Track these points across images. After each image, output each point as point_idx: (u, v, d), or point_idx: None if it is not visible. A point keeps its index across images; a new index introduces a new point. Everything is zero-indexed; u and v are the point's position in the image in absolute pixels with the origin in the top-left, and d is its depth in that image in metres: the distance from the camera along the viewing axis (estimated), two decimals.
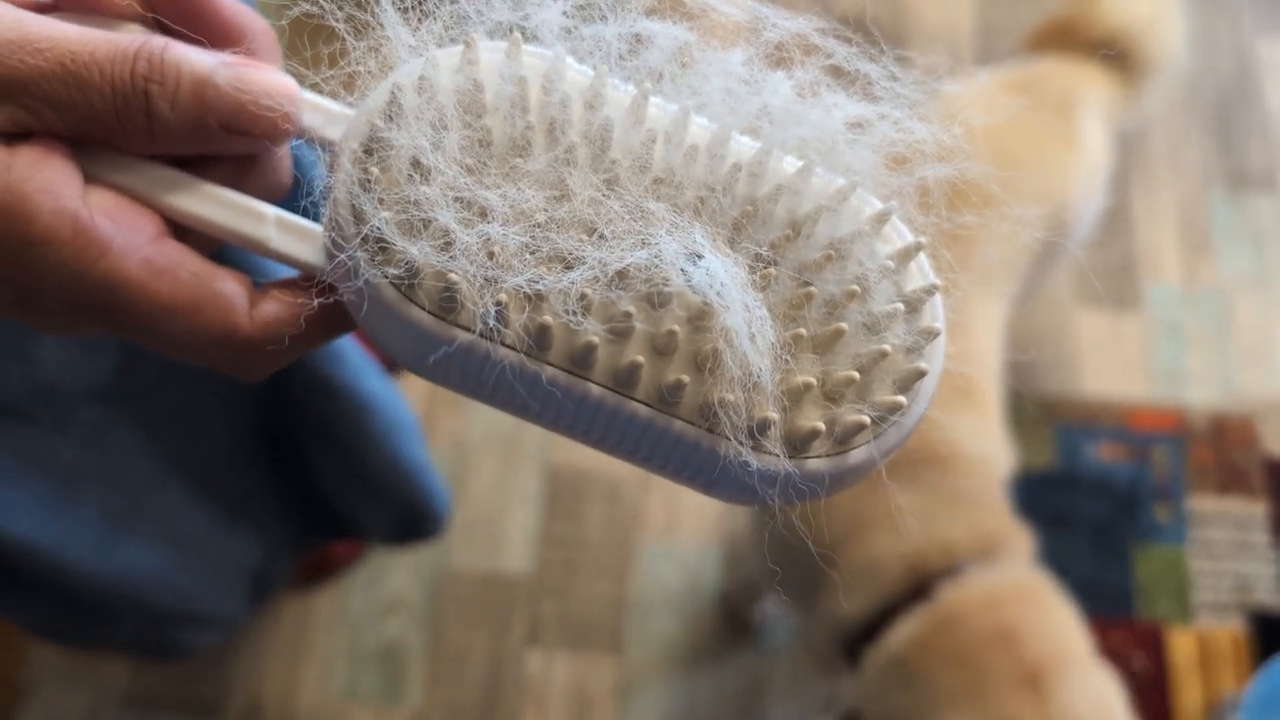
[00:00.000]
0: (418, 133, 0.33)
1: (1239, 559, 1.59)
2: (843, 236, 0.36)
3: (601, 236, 0.34)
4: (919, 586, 0.97)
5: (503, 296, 0.33)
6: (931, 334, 0.36)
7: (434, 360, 0.35)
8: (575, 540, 1.49)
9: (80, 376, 0.75)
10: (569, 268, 0.33)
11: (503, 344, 0.34)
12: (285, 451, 1.01)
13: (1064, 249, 1.25)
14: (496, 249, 0.33)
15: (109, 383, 0.78)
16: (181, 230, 0.37)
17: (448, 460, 1.52)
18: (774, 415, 0.34)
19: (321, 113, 0.38)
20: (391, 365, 1.31)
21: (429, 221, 0.33)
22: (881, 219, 0.36)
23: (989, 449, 1.01)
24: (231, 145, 0.36)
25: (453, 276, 0.33)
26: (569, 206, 0.34)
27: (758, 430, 0.34)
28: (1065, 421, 1.67)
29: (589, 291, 0.33)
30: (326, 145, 0.37)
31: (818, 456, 0.35)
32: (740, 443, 0.34)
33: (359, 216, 0.33)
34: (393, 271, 0.33)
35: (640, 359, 0.34)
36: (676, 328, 0.34)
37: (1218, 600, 1.56)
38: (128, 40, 0.34)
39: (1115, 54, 1.33)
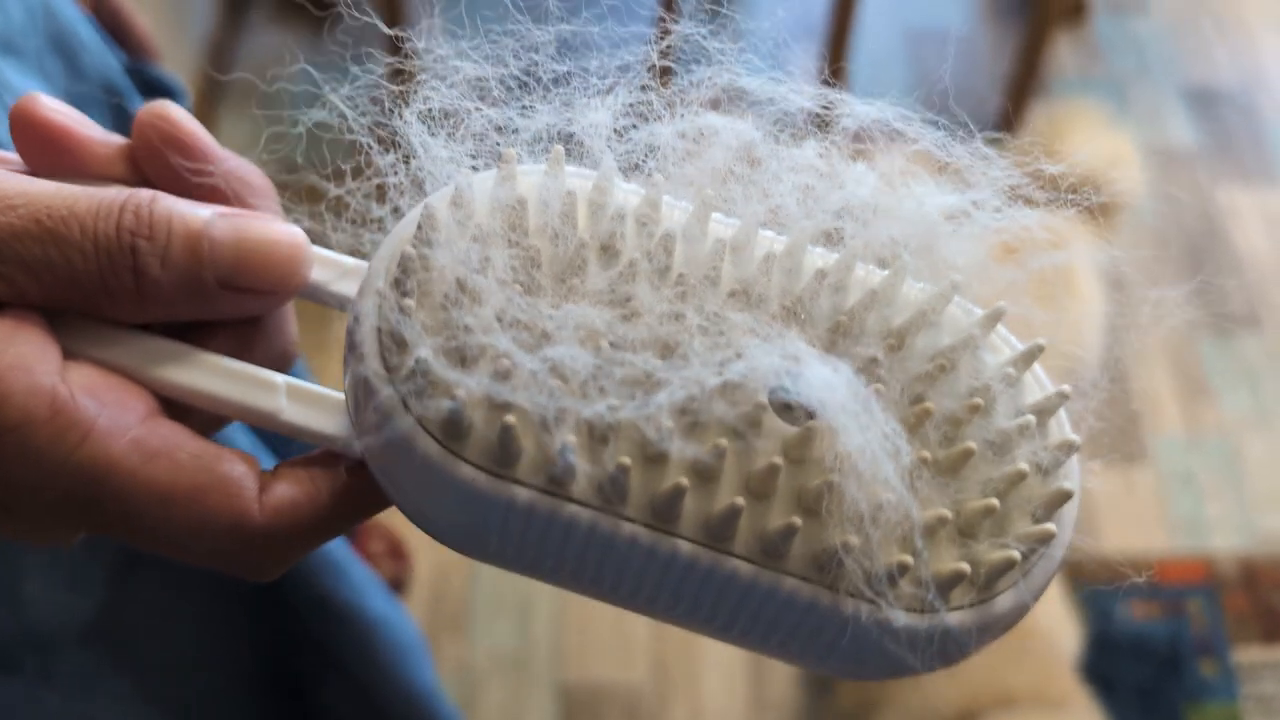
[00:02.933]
0: (462, 248, 0.28)
1: None
2: (951, 345, 0.31)
3: (683, 356, 0.28)
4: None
5: (571, 437, 0.27)
6: (1070, 448, 0.31)
7: (488, 533, 0.29)
8: None
9: (67, 618, 0.69)
10: (649, 393, 0.28)
11: (571, 499, 0.28)
12: (286, 683, 0.94)
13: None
14: (566, 373, 0.27)
15: (95, 625, 0.72)
16: (179, 411, 0.32)
17: (454, 689, 1.42)
18: (909, 559, 0.28)
19: (332, 267, 0.33)
20: (397, 584, 1.24)
21: (482, 351, 0.28)
22: (993, 320, 0.32)
23: (1054, 621, 0.97)
24: (232, 306, 0.32)
25: (510, 419, 0.27)
26: (640, 325, 0.29)
27: (890, 580, 0.28)
28: (1091, 584, 1.60)
29: (670, 424, 0.28)
30: (340, 302, 0.33)
31: (960, 607, 0.29)
32: (871, 599, 0.28)
33: (400, 345, 0.28)
34: (443, 403, 0.27)
35: (740, 501, 0.28)
36: (778, 460, 0.28)
37: None
38: (111, 193, 0.30)
39: (1088, 200, 1.33)
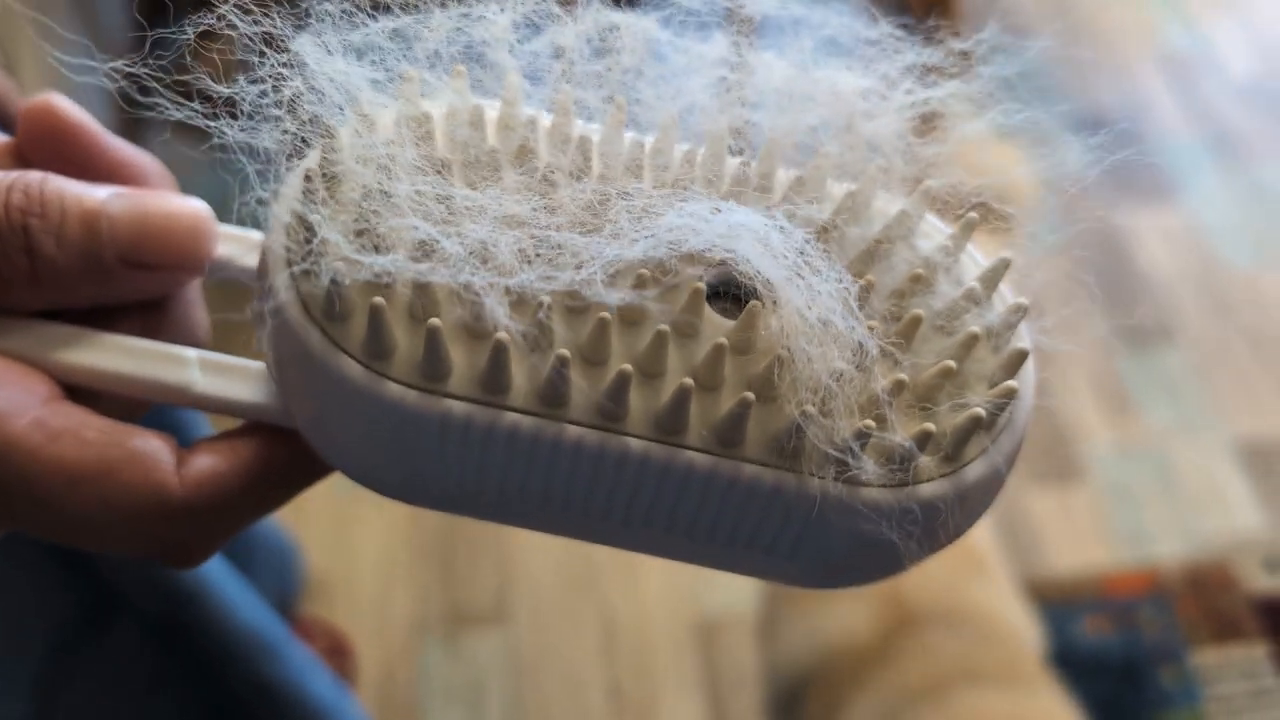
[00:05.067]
0: (370, 151, 0.27)
1: (1260, 709, 1.50)
2: (886, 225, 0.31)
3: (613, 234, 0.27)
4: None
5: (504, 335, 0.26)
6: (1020, 311, 0.30)
7: (423, 462, 0.28)
8: None
9: None
10: (577, 270, 0.27)
11: (510, 407, 0.27)
12: None
13: None
14: (489, 254, 0.26)
15: None
16: (88, 398, 0.30)
17: None
18: (871, 422, 0.27)
19: (238, 241, 0.32)
20: (343, 669, 1.19)
21: (396, 235, 0.26)
22: (924, 198, 0.31)
23: (1015, 613, 0.97)
24: (135, 285, 0.30)
25: (435, 323, 0.26)
26: (564, 213, 0.28)
27: (858, 437, 0.27)
28: (1042, 604, 1.60)
29: (606, 316, 0.27)
30: (248, 277, 0.31)
31: (931, 479, 0.28)
32: (837, 467, 0.27)
33: (308, 227, 0.27)
34: (358, 280, 0.26)
35: (689, 381, 0.27)
36: (722, 341, 0.27)
37: None
38: None
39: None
